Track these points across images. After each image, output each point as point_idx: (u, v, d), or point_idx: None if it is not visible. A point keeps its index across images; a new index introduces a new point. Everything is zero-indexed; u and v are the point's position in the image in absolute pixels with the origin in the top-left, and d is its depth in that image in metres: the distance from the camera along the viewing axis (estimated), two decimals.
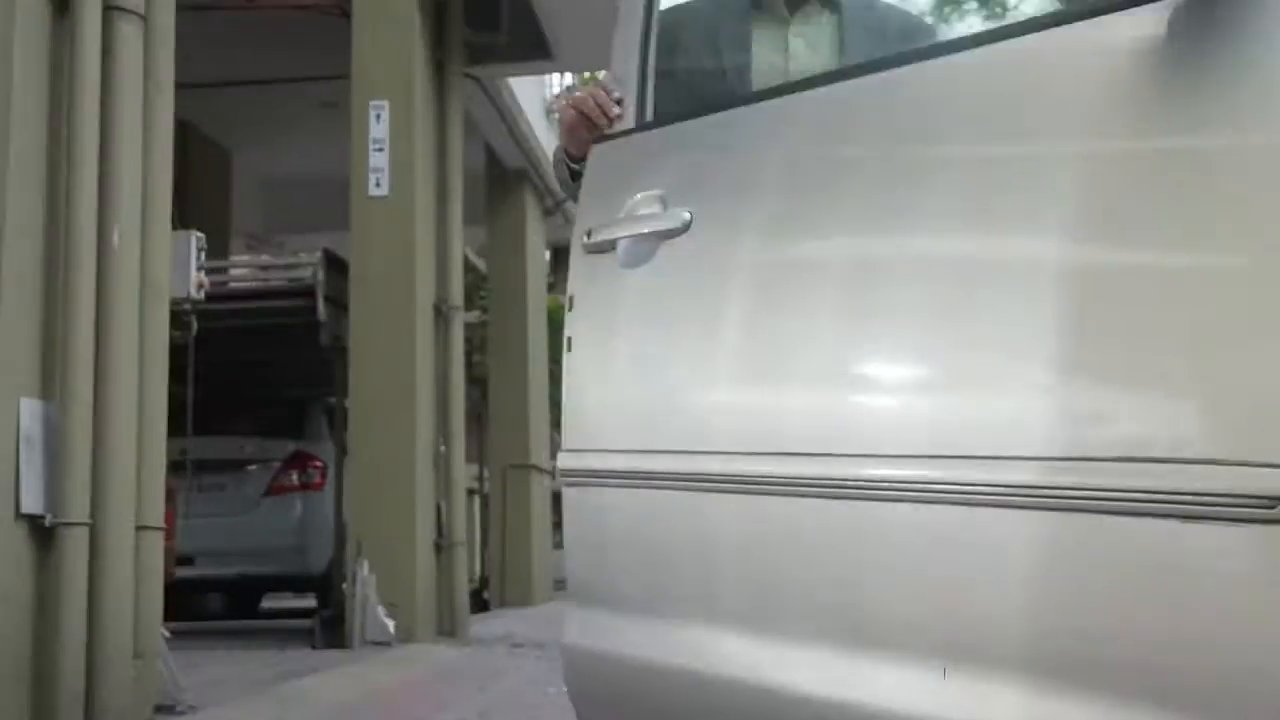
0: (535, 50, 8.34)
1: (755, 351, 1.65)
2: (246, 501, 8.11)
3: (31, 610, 3.34)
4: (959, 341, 1.35)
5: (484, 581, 11.02)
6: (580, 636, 1.91)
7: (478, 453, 11.22)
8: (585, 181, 1.99)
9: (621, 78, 1.98)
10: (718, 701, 1.61)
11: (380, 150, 7.10)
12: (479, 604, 9.77)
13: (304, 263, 7.54)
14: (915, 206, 1.43)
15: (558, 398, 2.03)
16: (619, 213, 1.84)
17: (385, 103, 7.08)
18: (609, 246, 1.85)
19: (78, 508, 3.39)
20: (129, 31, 3.63)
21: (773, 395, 1.61)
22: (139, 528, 3.64)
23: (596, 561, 1.91)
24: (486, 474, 11.34)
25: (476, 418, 11.15)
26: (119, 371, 3.55)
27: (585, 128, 2.05)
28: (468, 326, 9.16)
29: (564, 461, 1.94)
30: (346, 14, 7.23)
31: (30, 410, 3.36)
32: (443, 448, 7.46)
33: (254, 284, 7.80)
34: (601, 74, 2.27)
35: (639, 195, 1.82)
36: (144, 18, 3.70)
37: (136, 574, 3.60)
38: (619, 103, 1.99)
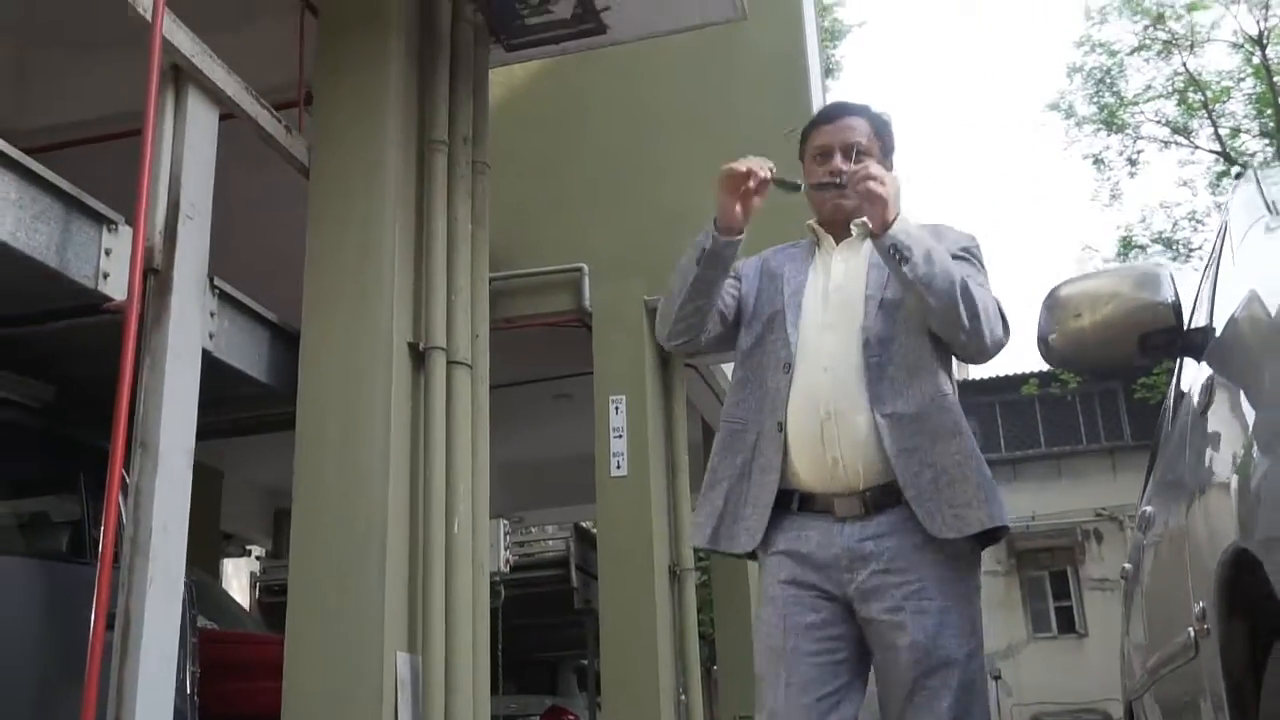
0: None
1: None
2: None
3: None
4: None
5: None
6: None
7: (708, 712, 11.91)
8: None
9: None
10: None
11: (619, 437, 8.31)
12: None
13: (557, 536, 8.76)
14: None
15: None
16: None
17: (623, 396, 8.33)
18: None
19: None
20: (463, 378, 4.98)
21: None
22: None
23: None
24: None
25: (705, 673, 11.92)
26: (461, 630, 4.73)
27: (734, 194, 2.63)
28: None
29: None
30: (586, 325, 8.64)
31: (403, 661, 4.54)
32: (683, 696, 8.35)
33: (518, 557, 9.03)
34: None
35: None
36: (471, 367, 5.06)
37: None
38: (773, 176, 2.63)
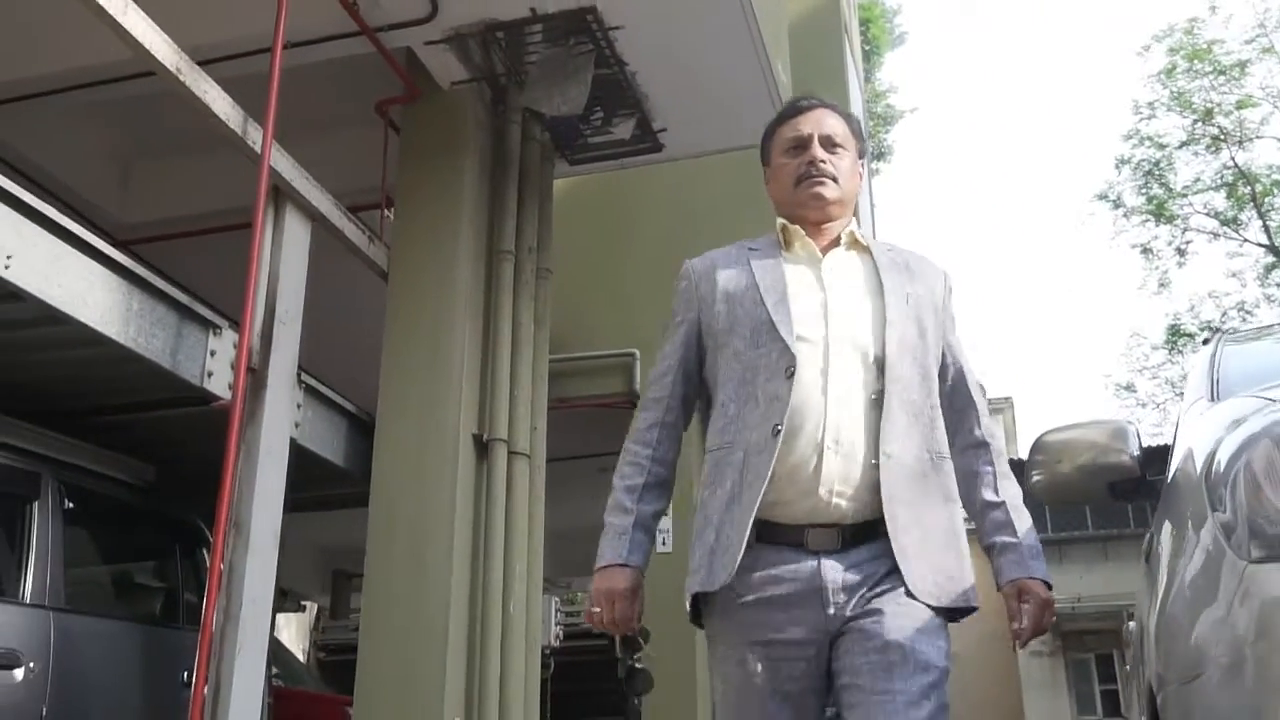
0: None
1: None
2: None
3: None
4: None
5: None
6: None
7: None
8: None
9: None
10: None
11: (665, 515, 8.71)
12: None
13: None
14: None
15: None
16: None
17: None
18: None
19: None
20: (522, 467, 5.42)
21: None
22: None
23: None
24: None
25: None
26: (514, 699, 5.13)
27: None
28: None
29: None
30: (633, 405, 9.07)
31: None
32: None
33: (565, 626, 9.37)
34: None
35: None
36: (529, 457, 5.50)
37: None
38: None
